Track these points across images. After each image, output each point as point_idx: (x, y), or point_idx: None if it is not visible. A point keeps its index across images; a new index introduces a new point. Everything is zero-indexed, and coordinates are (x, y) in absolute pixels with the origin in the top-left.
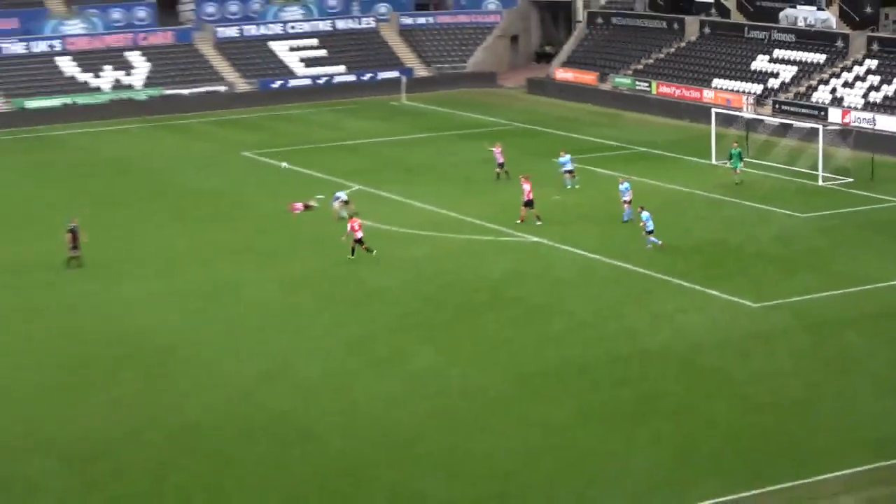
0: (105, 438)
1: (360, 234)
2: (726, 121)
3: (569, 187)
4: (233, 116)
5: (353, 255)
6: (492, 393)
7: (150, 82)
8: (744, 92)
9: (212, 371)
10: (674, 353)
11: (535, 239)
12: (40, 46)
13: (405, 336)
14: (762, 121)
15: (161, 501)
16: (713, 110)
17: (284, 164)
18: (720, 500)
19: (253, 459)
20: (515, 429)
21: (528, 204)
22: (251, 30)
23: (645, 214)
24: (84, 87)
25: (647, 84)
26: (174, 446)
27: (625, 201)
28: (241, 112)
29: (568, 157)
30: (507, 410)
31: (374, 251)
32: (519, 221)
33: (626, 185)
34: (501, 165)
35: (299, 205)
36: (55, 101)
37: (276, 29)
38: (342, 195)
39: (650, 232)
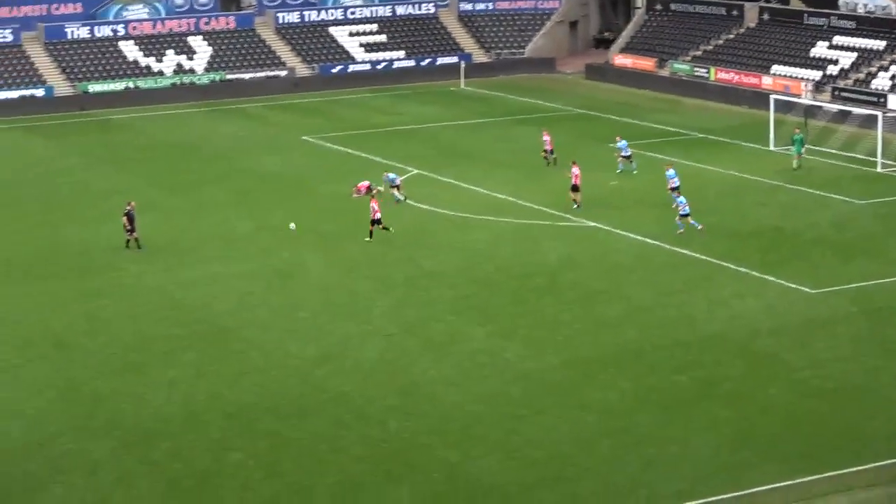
0: (165, 418)
1: (378, 215)
2: (785, 107)
3: (620, 171)
4: (293, 101)
5: (389, 229)
6: (548, 376)
7: (211, 67)
8: (803, 78)
9: (270, 352)
10: (731, 339)
11: (593, 224)
12: (104, 31)
13: (462, 319)
14: (821, 107)
15: (220, 480)
16: (772, 97)
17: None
18: (777, 485)
19: (310, 439)
20: (571, 412)
21: (574, 189)
22: (312, 15)
23: (681, 199)
24: (146, 72)
25: (705, 70)
26: (233, 426)
27: (672, 188)
28: (302, 97)
29: (624, 142)
30: (563, 394)
31: (370, 239)
32: (575, 207)
33: (671, 171)
34: (551, 152)
35: (364, 185)
36: (118, 85)
37: (337, 14)
38: (397, 180)
39: (685, 216)
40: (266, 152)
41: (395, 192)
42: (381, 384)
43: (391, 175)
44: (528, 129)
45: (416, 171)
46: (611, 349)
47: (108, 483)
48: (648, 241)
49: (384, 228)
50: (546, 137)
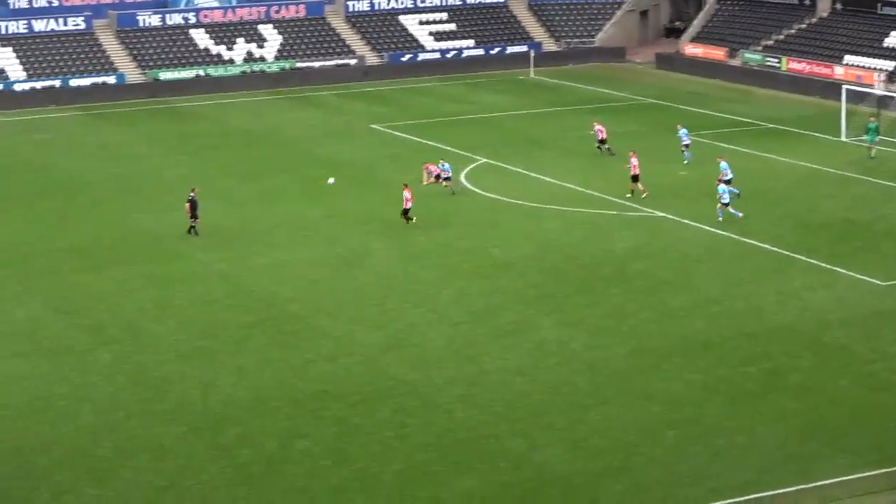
0: (233, 404)
1: (409, 205)
2: (857, 97)
3: (686, 162)
4: (362, 89)
5: (412, 220)
6: (615, 366)
7: (281, 55)
8: (876, 69)
9: (338, 339)
10: (800, 331)
11: (661, 214)
12: (175, 19)
13: (529, 308)
14: (894, 97)
15: (287, 467)
16: (844, 87)
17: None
18: (846, 478)
19: (376, 427)
20: (638, 402)
21: (634, 178)
22: (381, 3)
23: (721, 187)
24: (217, 60)
25: (777, 60)
26: (300, 413)
27: (725, 180)
28: (371, 85)
29: (685, 130)
30: (629, 384)
31: (413, 219)
32: (643, 196)
33: (724, 163)
34: (603, 142)
35: (434, 169)
36: (188, 73)
37: (407, 3)
38: (450, 170)
39: (725, 204)
40: (335, 140)
41: (447, 182)
42: (447, 372)
43: (446, 164)
44: (598, 119)
45: (484, 160)
46: (678, 340)
47: (176, 468)
48: (717, 231)
49: (408, 219)
50: (598, 127)
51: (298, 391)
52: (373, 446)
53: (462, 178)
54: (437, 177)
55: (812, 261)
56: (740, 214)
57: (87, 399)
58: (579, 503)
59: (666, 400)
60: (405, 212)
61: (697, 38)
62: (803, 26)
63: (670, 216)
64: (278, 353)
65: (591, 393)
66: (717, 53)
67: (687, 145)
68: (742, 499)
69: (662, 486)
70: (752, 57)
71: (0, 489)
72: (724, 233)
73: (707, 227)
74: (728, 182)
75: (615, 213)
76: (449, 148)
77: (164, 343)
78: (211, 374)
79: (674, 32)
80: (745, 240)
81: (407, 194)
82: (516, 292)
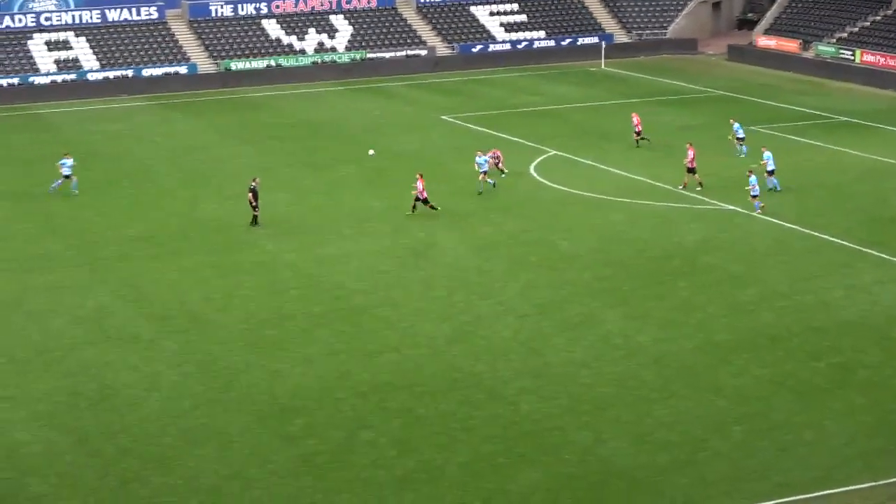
0: (299, 395)
1: (424, 195)
2: None
3: (742, 156)
4: (433, 80)
5: (413, 211)
6: (682, 360)
7: (352, 46)
8: None
9: (404, 330)
10: (870, 326)
11: (731, 207)
12: (247, 9)
13: (596, 301)
14: None
15: (352, 457)
16: None
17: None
18: None
19: (442, 418)
20: (704, 396)
21: (691, 171)
22: None
23: (753, 178)
24: (288, 50)
25: (850, 52)
26: (366, 404)
27: (767, 170)
28: (442, 76)
29: (738, 124)
30: (696, 377)
31: (427, 209)
32: (681, 187)
33: (768, 153)
34: (639, 133)
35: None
36: (260, 63)
37: None
38: (485, 165)
39: (755, 196)
40: (405, 131)
41: (484, 177)
42: (513, 364)
43: (481, 159)
44: (669, 111)
45: (553, 152)
46: (746, 334)
47: (241, 457)
48: (786, 225)
49: (432, 207)
50: (636, 119)
51: (364, 382)
52: (438, 437)
53: (531, 169)
54: (497, 163)
55: (883, 255)
56: (762, 206)
57: (153, 388)
58: (645, 497)
59: (733, 394)
60: (424, 201)
61: (770, 30)
62: (878, 18)
63: (739, 209)
64: (344, 344)
65: (657, 386)
66: (791, 46)
67: (741, 139)
68: (810, 495)
69: (729, 481)
70: (825, 49)
71: (69, 476)
72: (793, 226)
73: (776, 221)
74: (770, 173)
75: (684, 206)
76: (518, 139)
77: (230, 332)
78: (277, 363)
79: (746, 24)
80: (815, 233)
81: (420, 185)
82: (583, 285)
